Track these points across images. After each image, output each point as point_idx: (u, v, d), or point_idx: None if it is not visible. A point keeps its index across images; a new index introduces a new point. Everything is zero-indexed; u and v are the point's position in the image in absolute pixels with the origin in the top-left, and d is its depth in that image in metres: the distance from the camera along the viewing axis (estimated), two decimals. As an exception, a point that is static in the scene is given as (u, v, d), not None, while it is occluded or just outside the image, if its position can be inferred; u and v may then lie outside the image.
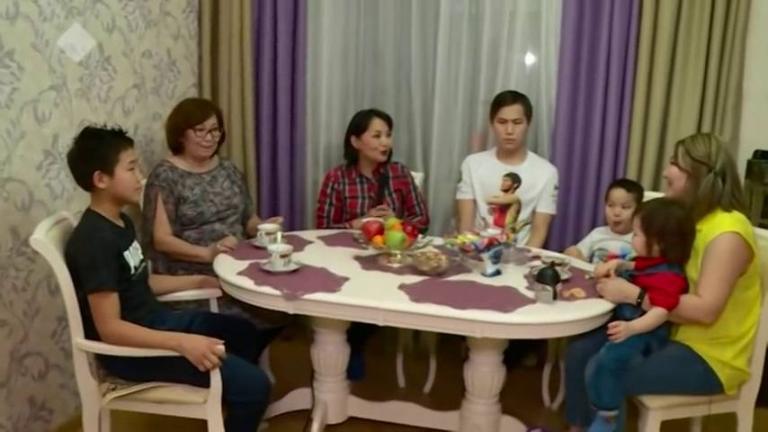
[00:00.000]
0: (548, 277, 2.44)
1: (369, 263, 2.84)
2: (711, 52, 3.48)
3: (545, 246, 3.54)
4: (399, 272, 2.74)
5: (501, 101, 3.46)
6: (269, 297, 2.49)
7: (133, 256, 2.49)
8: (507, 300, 2.45)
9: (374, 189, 3.50)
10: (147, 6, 3.40)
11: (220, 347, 2.30)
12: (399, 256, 2.82)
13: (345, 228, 3.42)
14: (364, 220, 3.07)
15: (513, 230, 3.49)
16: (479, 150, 3.83)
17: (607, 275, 2.58)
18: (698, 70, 3.50)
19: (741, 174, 3.51)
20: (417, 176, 3.73)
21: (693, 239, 2.46)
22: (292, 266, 2.66)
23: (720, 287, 2.41)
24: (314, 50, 3.92)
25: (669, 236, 2.44)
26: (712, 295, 2.41)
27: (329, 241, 3.15)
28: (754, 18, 3.49)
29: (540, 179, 3.51)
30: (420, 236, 2.94)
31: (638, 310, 2.47)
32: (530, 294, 2.51)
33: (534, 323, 2.35)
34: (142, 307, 2.50)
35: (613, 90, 3.60)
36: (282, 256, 2.64)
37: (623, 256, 3.19)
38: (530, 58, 3.84)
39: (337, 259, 2.87)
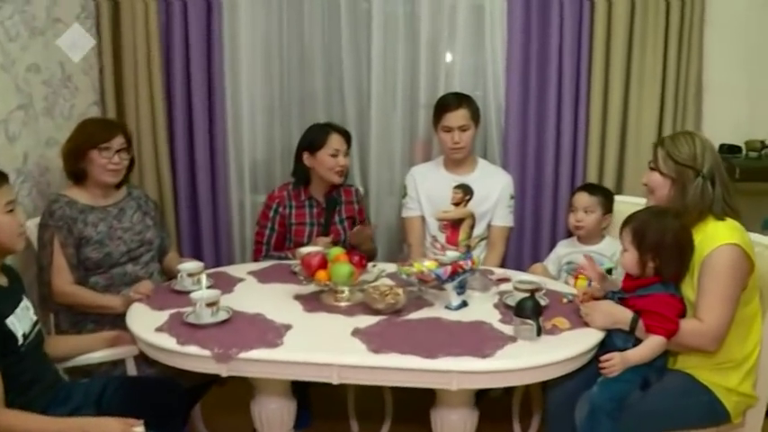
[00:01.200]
0: (528, 310, 2.08)
1: (312, 303, 2.42)
2: (669, 43, 3.22)
3: (503, 263, 3.20)
4: (349, 312, 2.33)
5: (444, 106, 3.09)
6: (196, 359, 2.05)
7: (21, 320, 2.00)
8: (482, 340, 2.08)
9: (323, 214, 3.09)
10: (29, 11, 2.87)
11: (137, 431, 1.84)
12: (347, 293, 2.41)
13: (283, 257, 2.98)
14: (304, 250, 2.66)
15: (468, 248, 3.15)
16: (424, 160, 3.47)
17: (593, 298, 2.25)
18: (656, 62, 3.24)
19: None
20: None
21: (692, 254, 2.15)
22: (222, 316, 2.22)
23: (723, 308, 2.10)
24: (232, 57, 3.46)
25: (666, 251, 2.12)
26: (715, 318, 2.10)
27: (263, 277, 2.72)
28: (711, 6, 3.25)
29: (493, 189, 3.16)
30: (370, 265, 2.54)
31: (631, 337, 2.14)
32: (507, 330, 2.15)
33: (521, 368, 1.98)
34: (36, 384, 2.02)
35: (567, 86, 3.30)
36: (209, 305, 2.19)
37: None
38: (474, 57, 3.47)
39: (275, 300, 2.45)
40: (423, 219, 3.21)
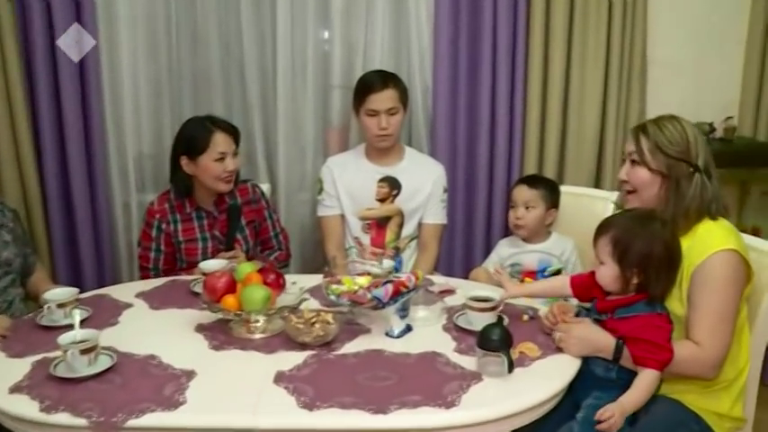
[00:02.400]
0: (497, 341, 1.67)
1: (220, 336, 1.93)
2: (613, 16, 2.92)
3: (435, 267, 2.82)
4: (268, 347, 1.86)
5: (368, 86, 2.64)
6: (68, 430, 1.53)
7: None
8: (441, 380, 1.65)
9: (220, 225, 2.55)
10: None
11: None
12: (263, 323, 1.94)
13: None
14: (206, 266, 2.17)
15: (397, 250, 2.74)
16: (340, 150, 3.03)
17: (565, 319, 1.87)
18: (600, 36, 2.93)
19: None
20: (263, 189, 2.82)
21: (680, 264, 1.80)
22: (102, 364, 1.70)
23: (724, 329, 1.79)
24: (108, 30, 2.88)
25: (654, 266, 1.75)
26: (715, 341, 1.78)
27: (156, 300, 2.20)
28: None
29: (425, 182, 2.75)
30: (289, 281, 2.07)
31: (613, 365, 1.78)
32: (467, 363, 1.74)
33: (496, 418, 1.56)
34: None
35: (503, 63, 2.94)
36: (84, 352, 1.67)
37: (542, 271, 2.55)
38: (396, 31, 3.03)
39: (172, 334, 1.95)
40: (342, 217, 2.77)
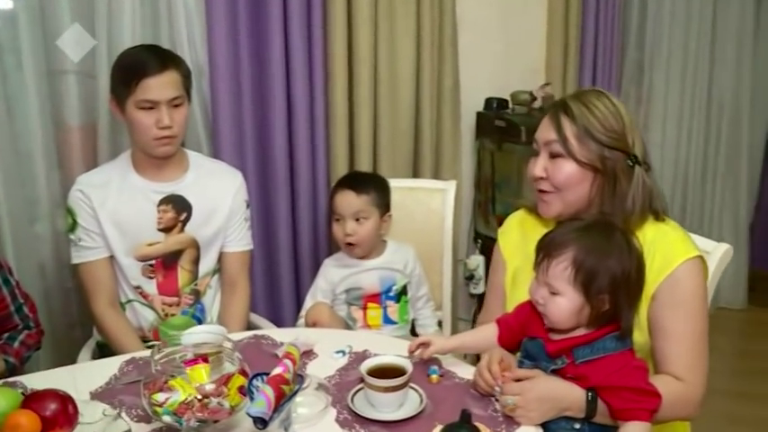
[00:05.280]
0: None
1: None
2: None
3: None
4: None
5: (139, 67, 1.83)
6: None
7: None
8: None
9: None
10: None
11: None
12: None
13: None
14: None
15: (197, 294, 2.00)
16: (86, 161, 2.19)
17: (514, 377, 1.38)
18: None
19: (470, 130, 2.61)
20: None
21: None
22: None
23: (704, 354, 1.45)
24: None
25: (626, 286, 1.34)
26: (698, 373, 1.44)
27: None
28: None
29: (222, 197, 2.03)
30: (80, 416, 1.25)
31: (582, 424, 1.35)
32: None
33: None
34: None
35: (297, 33, 2.27)
36: None
37: (387, 292, 2.09)
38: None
39: None
40: (112, 260, 1.95)
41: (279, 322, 2.35)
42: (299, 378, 1.29)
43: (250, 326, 2.06)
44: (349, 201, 2.07)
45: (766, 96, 3.69)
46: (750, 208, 3.77)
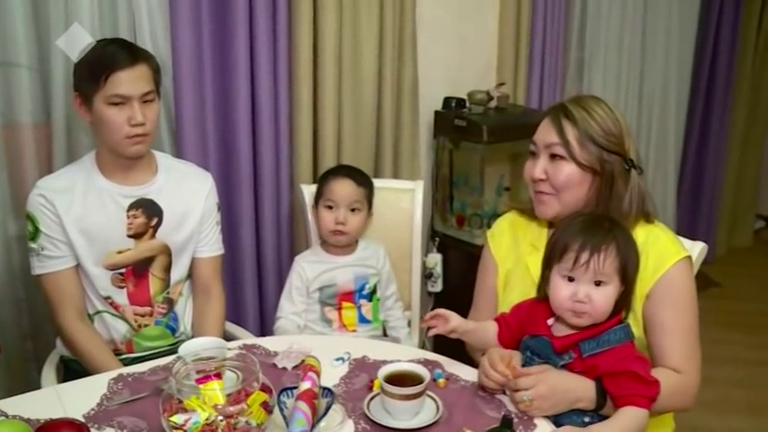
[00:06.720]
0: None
1: None
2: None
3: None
4: None
5: (109, 61, 1.72)
6: None
7: None
8: None
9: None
10: None
11: None
12: None
13: None
14: None
15: (171, 304, 1.92)
16: (42, 164, 2.03)
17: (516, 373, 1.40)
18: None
19: (428, 129, 2.62)
20: None
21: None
22: None
23: (697, 347, 1.54)
24: None
25: (634, 276, 1.41)
26: (694, 364, 1.52)
27: None
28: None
29: (194, 198, 1.95)
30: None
31: (592, 416, 1.39)
32: None
33: None
34: None
35: (262, 32, 2.20)
36: None
37: (360, 290, 2.09)
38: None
39: None
40: (78, 270, 1.82)
41: (241, 323, 2.29)
42: (327, 391, 1.25)
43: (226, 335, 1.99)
44: (348, 190, 2.06)
45: (686, 86, 3.90)
46: (675, 192, 3.99)
